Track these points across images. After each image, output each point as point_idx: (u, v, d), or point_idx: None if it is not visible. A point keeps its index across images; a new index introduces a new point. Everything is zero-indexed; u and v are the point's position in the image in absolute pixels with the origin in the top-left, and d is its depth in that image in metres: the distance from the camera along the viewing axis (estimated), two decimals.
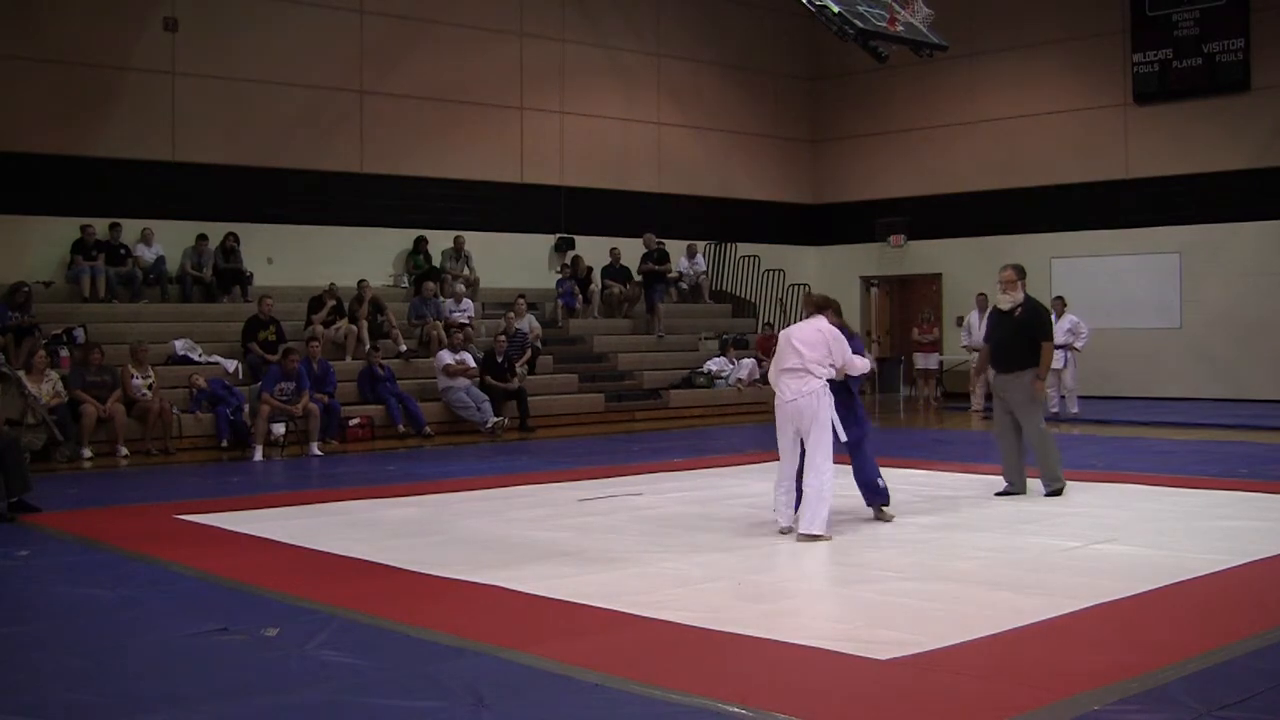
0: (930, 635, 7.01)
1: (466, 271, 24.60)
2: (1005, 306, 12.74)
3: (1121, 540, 10.05)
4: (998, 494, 12.61)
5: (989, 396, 24.39)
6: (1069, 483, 12.65)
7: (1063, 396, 24.08)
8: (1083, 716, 5.68)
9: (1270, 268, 24.80)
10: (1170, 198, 26.05)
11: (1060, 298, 24.56)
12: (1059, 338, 24.52)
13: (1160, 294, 25.95)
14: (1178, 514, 11.63)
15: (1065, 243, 27.08)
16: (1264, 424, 20.60)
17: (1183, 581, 8.49)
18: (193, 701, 6.05)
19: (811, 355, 10.41)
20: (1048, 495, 12.39)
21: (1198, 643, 6.88)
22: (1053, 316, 24.04)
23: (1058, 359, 24.52)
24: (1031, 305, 12.74)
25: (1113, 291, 26.15)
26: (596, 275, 26.56)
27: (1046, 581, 8.58)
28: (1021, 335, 12.58)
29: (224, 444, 18.18)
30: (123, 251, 21.11)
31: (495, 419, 20.73)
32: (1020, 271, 12.77)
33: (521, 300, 23.84)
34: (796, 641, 6.92)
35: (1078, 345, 23.01)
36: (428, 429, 20.20)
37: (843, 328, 10.81)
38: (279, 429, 17.88)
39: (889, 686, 6.23)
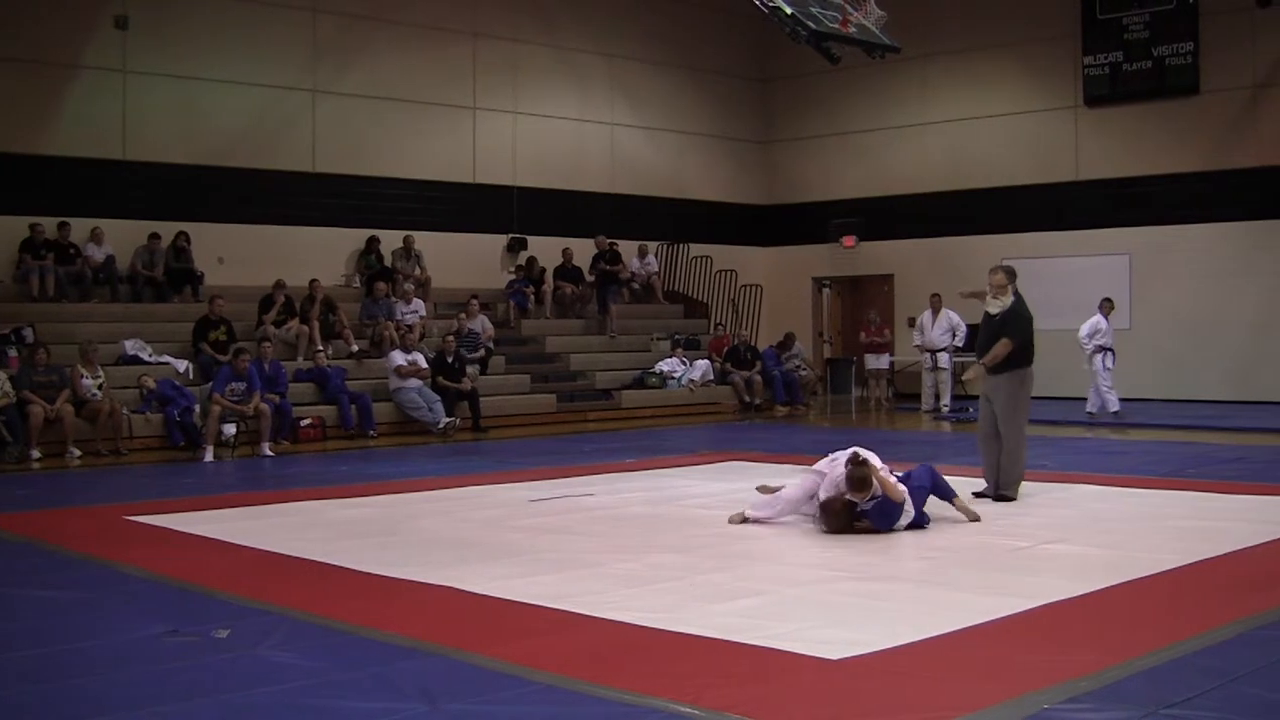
0: (882, 634, 7.05)
1: (417, 271, 24.54)
2: (994, 310, 12.51)
3: (1071, 540, 10.11)
4: (975, 494, 12.24)
5: (937, 397, 24.82)
6: (1023, 483, 12.54)
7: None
8: (1033, 715, 5.72)
9: (1219, 269, 25.01)
10: (1120, 199, 26.24)
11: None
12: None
13: (1110, 295, 26.03)
14: (1127, 514, 11.72)
15: (1016, 244, 27.16)
16: (1212, 425, 20.78)
17: (1132, 581, 8.56)
18: (143, 703, 6.02)
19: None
20: (994, 499, 12.16)
21: (1147, 641, 6.93)
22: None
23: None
24: (1010, 307, 12.42)
25: (1063, 292, 26.21)
26: (549, 275, 26.52)
27: (997, 581, 8.63)
28: (1000, 337, 12.37)
29: (181, 445, 18.11)
30: (72, 251, 20.94)
31: (447, 419, 20.71)
32: (1010, 275, 12.57)
33: (474, 301, 23.81)
34: (748, 641, 6.94)
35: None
36: (372, 431, 20.25)
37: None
38: (230, 429, 17.82)
39: (841, 686, 6.25)
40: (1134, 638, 7.09)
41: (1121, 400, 22.40)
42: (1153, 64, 25.81)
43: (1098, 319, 22.48)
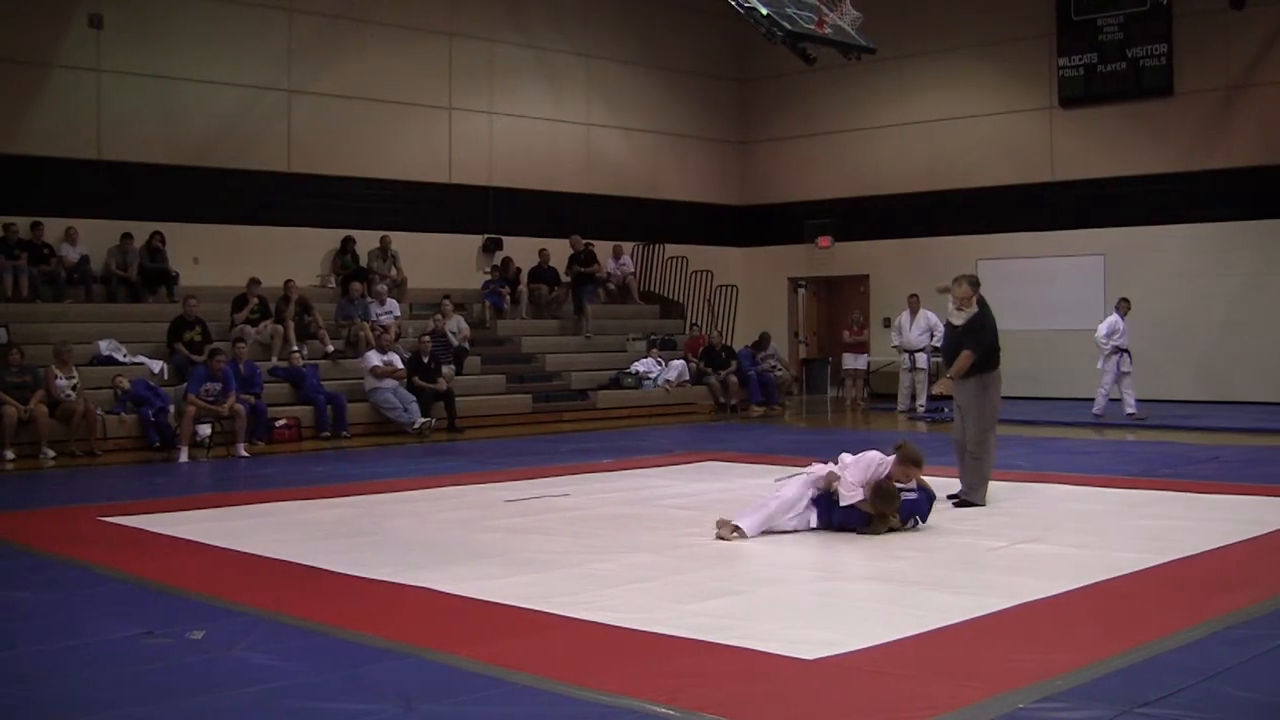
0: (857, 634, 7.06)
1: (394, 271, 24.51)
2: (958, 322, 12.36)
3: (1046, 540, 10.14)
4: (949, 496, 11.99)
5: (913, 397, 24.87)
6: (995, 483, 12.43)
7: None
8: (1007, 714, 5.73)
9: (1193, 270, 25.08)
10: (1095, 200, 26.32)
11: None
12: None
13: (1084, 295, 26.16)
14: (1101, 513, 11.77)
15: (991, 244, 27.29)
16: (1185, 424, 20.84)
17: (1106, 580, 8.58)
18: (118, 705, 6.01)
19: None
20: (956, 504, 11.92)
21: (1121, 640, 6.95)
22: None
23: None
24: (973, 317, 12.26)
25: (1038, 293, 26.37)
26: (525, 276, 26.50)
27: (973, 581, 8.66)
28: (963, 346, 12.21)
29: (156, 445, 18.05)
30: (46, 250, 20.87)
31: (423, 420, 20.69)
32: (974, 285, 12.36)
33: (447, 301, 23.79)
34: (724, 641, 6.95)
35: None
36: (345, 432, 20.25)
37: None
38: (205, 430, 17.76)
39: (816, 686, 6.26)
40: (1108, 637, 7.11)
41: (1094, 400, 22.41)
42: (1127, 65, 25.91)
43: (1115, 318, 22.29)
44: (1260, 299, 24.60)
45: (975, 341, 12.13)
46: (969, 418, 12.26)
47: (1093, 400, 22.29)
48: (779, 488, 10.83)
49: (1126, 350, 22.11)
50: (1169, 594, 8.36)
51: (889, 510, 10.37)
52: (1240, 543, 10.03)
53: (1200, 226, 25.26)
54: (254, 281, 21.61)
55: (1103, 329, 22.27)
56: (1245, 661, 6.54)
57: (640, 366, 25.33)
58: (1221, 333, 24.86)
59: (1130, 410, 21.93)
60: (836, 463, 10.66)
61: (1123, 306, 22.50)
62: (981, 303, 12.35)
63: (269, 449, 18.80)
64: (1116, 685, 6.12)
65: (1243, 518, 11.19)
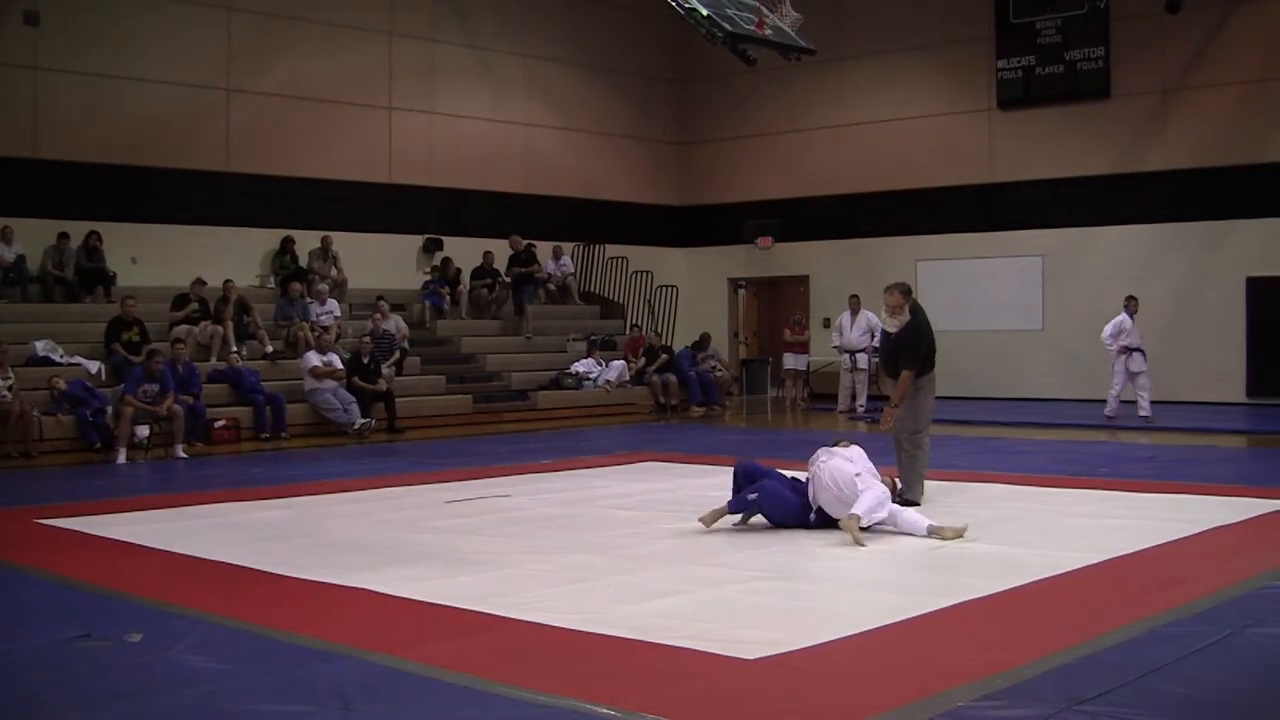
0: (797, 634, 7.08)
1: (334, 272, 24.39)
2: (892, 329, 12.45)
3: (985, 539, 10.17)
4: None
5: (853, 397, 24.99)
6: (933, 483, 12.62)
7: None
8: (946, 713, 5.76)
9: (1129, 271, 25.21)
10: (1033, 202, 26.48)
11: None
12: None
13: (1023, 296, 26.38)
14: (1039, 513, 11.82)
15: (930, 245, 27.44)
16: (1122, 425, 21.01)
17: (1044, 579, 8.63)
18: (55, 709, 5.96)
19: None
20: (900, 504, 11.61)
21: (1059, 639, 6.99)
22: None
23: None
24: (907, 325, 12.30)
25: (976, 294, 26.55)
26: (465, 276, 26.45)
27: (911, 580, 8.71)
28: (899, 353, 12.37)
29: (97, 447, 17.88)
30: None
31: (362, 420, 20.61)
32: (905, 293, 12.40)
33: (383, 301, 23.69)
34: (665, 642, 6.96)
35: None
36: (283, 433, 20.19)
37: None
38: (142, 431, 17.65)
39: (757, 686, 6.27)
40: (1046, 635, 7.16)
41: (1032, 401, 22.48)
42: (1065, 68, 26.11)
43: (1122, 318, 21.82)
44: (1198, 300, 24.81)
45: (909, 355, 12.24)
46: (902, 419, 12.38)
47: (1030, 401, 22.36)
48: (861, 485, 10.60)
49: (1139, 349, 21.73)
50: (1105, 592, 8.42)
51: None
52: (1175, 541, 10.10)
53: (1138, 228, 25.48)
54: (199, 282, 21.46)
55: (1108, 330, 21.83)
56: (1180, 659, 6.59)
57: (580, 367, 25.32)
58: (1160, 333, 24.91)
59: (1143, 413, 21.47)
60: (818, 457, 10.76)
61: (1131, 305, 21.94)
62: (915, 309, 12.42)
63: (207, 450, 18.69)
64: (1054, 683, 6.15)
65: (1177, 516, 11.27)
